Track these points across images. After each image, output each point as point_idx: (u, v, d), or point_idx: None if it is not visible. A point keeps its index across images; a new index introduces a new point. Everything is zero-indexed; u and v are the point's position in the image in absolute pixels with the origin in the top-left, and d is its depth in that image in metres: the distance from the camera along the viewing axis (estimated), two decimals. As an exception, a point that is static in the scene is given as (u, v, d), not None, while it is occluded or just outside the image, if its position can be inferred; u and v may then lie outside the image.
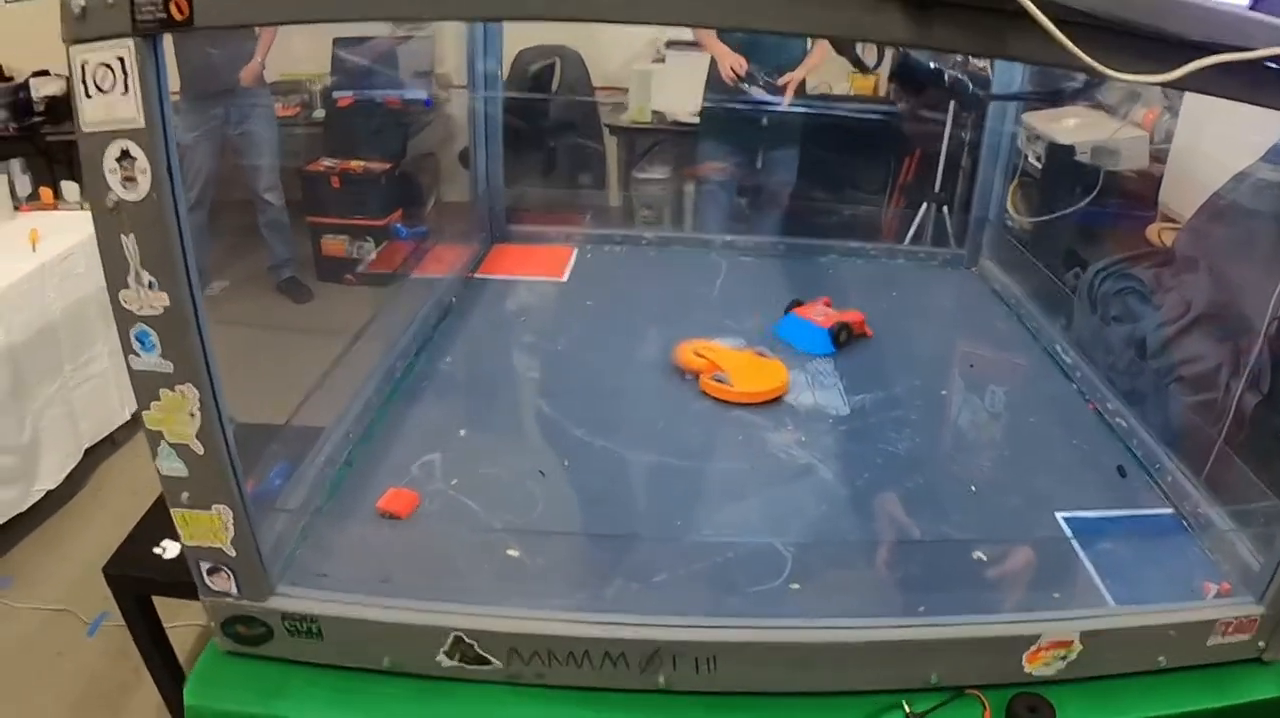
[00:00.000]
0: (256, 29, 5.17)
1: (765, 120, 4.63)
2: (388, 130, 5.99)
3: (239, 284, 5.84)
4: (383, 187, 5.86)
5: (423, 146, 6.19)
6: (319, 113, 6.23)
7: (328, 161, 5.89)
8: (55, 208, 4.46)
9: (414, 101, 6.05)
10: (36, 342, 3.75)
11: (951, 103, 4.85)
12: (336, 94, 6.02)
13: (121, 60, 1.26)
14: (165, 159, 1.31)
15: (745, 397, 2.48)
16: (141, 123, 1.28)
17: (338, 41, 6.00)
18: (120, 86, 1.27)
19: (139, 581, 2.54)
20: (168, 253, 1.36)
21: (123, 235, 1.35)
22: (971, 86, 1.58)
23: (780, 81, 4.52)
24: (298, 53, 6.14)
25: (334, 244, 5.91)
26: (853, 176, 5.75)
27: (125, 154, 1.30)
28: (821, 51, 4.64)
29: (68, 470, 3.96)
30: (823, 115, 5.73)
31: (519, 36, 6.11)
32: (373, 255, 5.80)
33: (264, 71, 5.36)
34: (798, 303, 2.91)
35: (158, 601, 2.61)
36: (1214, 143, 3.39)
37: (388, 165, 5.89)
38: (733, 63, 4.46)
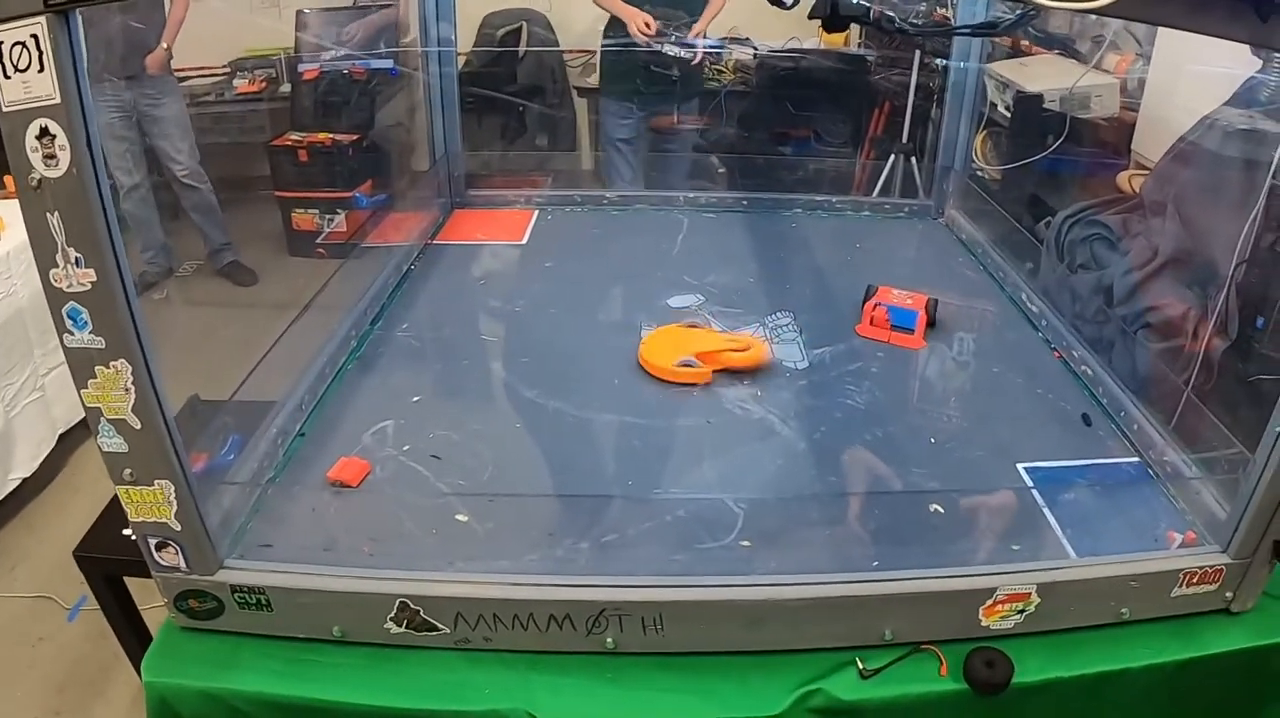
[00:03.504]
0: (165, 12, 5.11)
1: (675, 72, 4.54)
2: (354, 101, 5.93)
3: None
4: (351, 158, 5.80)
5: (390, 116, 6.12)
6: (285, 87, 6.16)
7: (295, 135, 5.82)
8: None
9: (379, 71, 5.98)
10: (5, 330, 3.72)
11: (917, 52, 4.83)
12: (301, 67, 5.95)
13: (35, 38, 1.24)
14: (85, 135, 1.30)
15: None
16: (59, 99, 1.27)
17: (300, 14, 5.94)
18: (36, 64, 1.26)
19: (109, 562, 2.53)
20: (93, 228, 1.35)
21: (48, 213, 1.34)
22: (897, 21, 1.55)
23: (693, 33, 4.43)
24: (263, 28, 6.08)
25: (304, 218, 5.86)
26: (820, 129, 5.71)
27: (45, 131, 1.29)
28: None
29: (42, 457, 3.93)
30: (789, 68, 5.73)
31: (485, 1, 6.07)
32: (334, 227, 5.76)
33: (170, 59, 5.23)
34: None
35: (135, 582, 2.61)
36: (1186, 88, 3.37)
37: (355, 136, 5.84)
38: (642, 20, 4.36)
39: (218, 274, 5.70)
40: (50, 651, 3.24)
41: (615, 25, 4.50)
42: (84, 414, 3.88)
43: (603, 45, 4.74)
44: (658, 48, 4.36)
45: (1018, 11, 1.64)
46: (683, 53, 4.39)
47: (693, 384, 2.38)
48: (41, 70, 1.26)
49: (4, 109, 1.29)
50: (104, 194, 1.35)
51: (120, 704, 3.04)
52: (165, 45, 5.10)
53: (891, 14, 1.57)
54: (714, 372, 2.39)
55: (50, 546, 3.67)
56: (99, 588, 2.59)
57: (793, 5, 1.47)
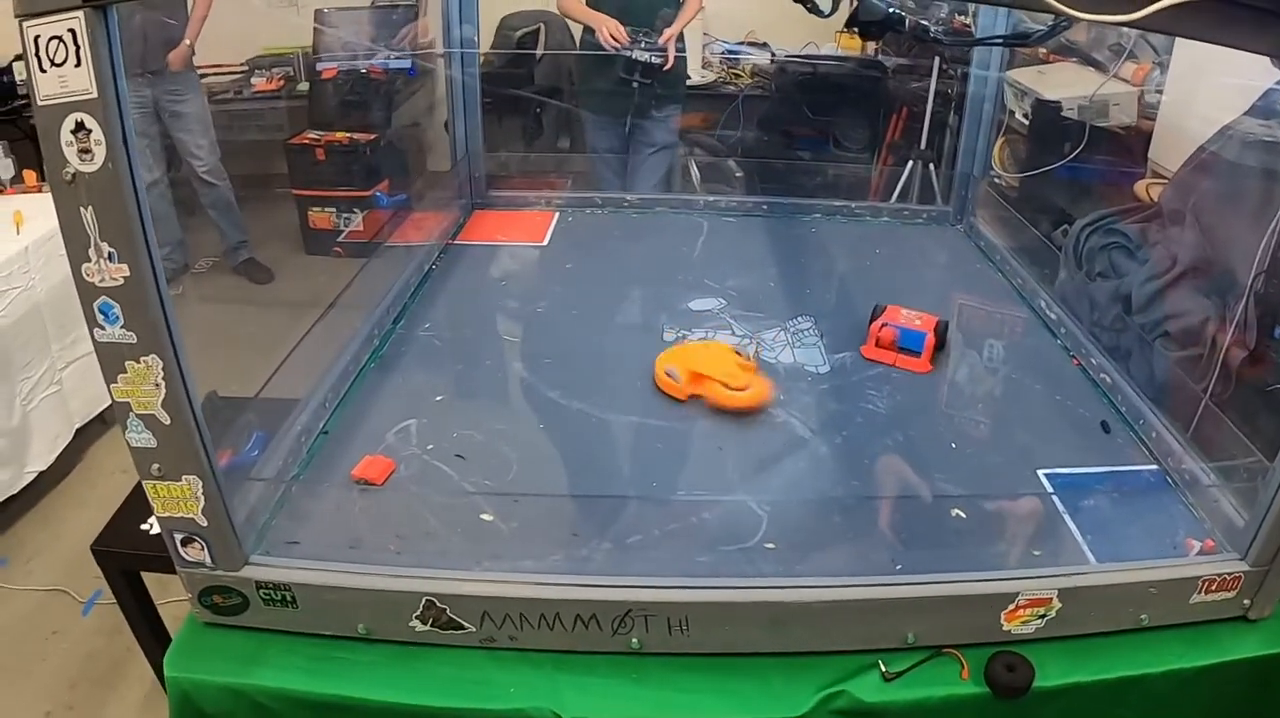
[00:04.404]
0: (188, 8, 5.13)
1: (650, 81, 4.43)
2: (372, 101, 5.96)
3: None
4: (368, 157, 5.82)
5: (408, 116, 6.16)
6: (303, 85, 6.20)
7: (313, 134, 5.85)
8: (39, 190, 4.41)
9: (398, 71, 6.01)
10: (23, 324, 3.74)
11: (936, 58, 4.83)
12: (320, 66, 5.98)
13: (73, 32, 1.25)
14: (120, 130, 1.31)
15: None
16: (95, 94, 1.28)
17: (319, 13, 5.95)
18: (73, 59, 1.26)
19: (127, 557, 2.54)
20: (126, 223, 1.35)
21: (81, 208, 1.35)
22: (932, 30, 1.56)
23: (663, 39, 4.35)
24: (281, 26, 6.10)
25: (321, 216, 5.88)
26: (838, 134, 5.71)
27: (80, 126, 1.30)
28: (696, 2, 4.52)
29: (59, 451, 3.95)
30: (807, 73, 5.73)
31: (503, 2, 6.09)
32: (353, 226, 5.77)
33: (193, 55, 5.23)
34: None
35: (151, 578, 2.62)
36: (1204, 97, 3.36)
37: (373, 136, 5.86)
38: (610, 28, 4.31)
39: (233, 271, 5.71)
40: (64, 644, 3.26)
41: (590, 33, 4.46)
42: (101, 408, 3.93)
43: (581, 53, 4.73)
44: (627, 53, 4.32)
45: (1050, 22, 1.65)
46: (653, 58, 4.34)
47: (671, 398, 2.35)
48: (78, 65, 1.26)
49: (40, 103, 1.29)
50: (138, 189, 1.35)
51: (133, 699, 3.05)
52: (188, 41, 5.11)
53: (925, 23, 1.58)
54: (691, 395, 2.33)
55: (66, 539, 3.69)
56: (116, 583, 2.60)
57: (830, 13, 1.48)
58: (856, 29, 1.55)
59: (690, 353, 2.48)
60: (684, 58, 4.54)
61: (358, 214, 5.78)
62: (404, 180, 5.95)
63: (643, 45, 4.29)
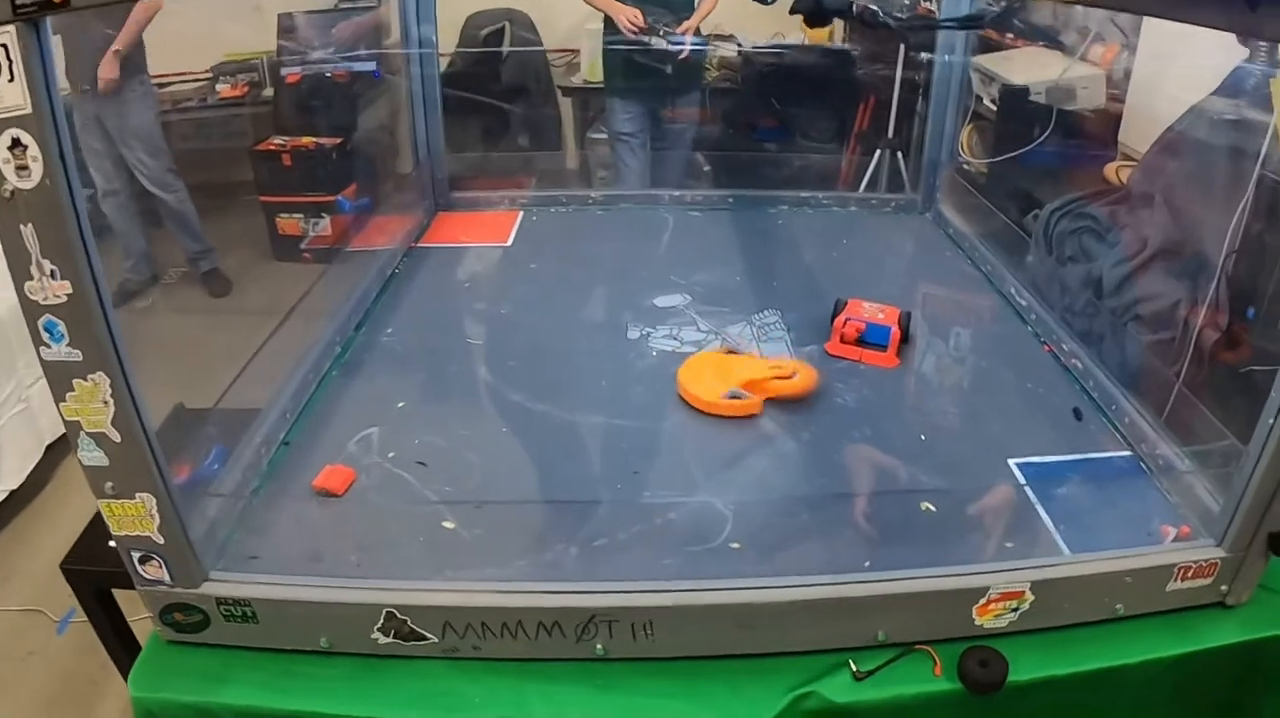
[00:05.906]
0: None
1: (669, 69, 4.58)
2: (337, 104, 5.91)
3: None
4: (334, 162, 5.78)
5: (374, 119, 6.11)
6: (268, 91, 6.14)
7: (278, 139, 5.80)
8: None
9: (362, 74, 5.97)
10: (-12, 341, 3.71)
11: (901, 46, 4.82)
12: (284, 71, 5.93)
13: (5, 47, 1.22)
14: (57, 145, 1.28)
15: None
16: (29, 109, 1.25)
17: (282, 17, 5.91)
18: (6, 74, 1.24)
19: (97, 574, 2.51)
20: (66, 240, 1.33)
21: (21, 225, 1.32)
22: (881, 15, 1.54)
23: (680, 29, 4.47)
24: (246, 31, 6.05)
25: (289, 223, 5.82)
26: (806, 125, 5.72)
27: (16, 142, 1.27)
28: None
29: (29, 469, 3.91)
30: (774, 63, 5.74)
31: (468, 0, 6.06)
32: (319, 231, 5.74)
33: (139, 65, 5.08)
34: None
35: (124, 594, 2.59)
36: (1172, 78, 3.36)
37: (339, 140, 5.82)
38: (629, 15, 4.41)
39: (199, 281, 5.66)
40: (40, 664, 3.22)
41: (612, 22, 4.54)
42: (68, 426, 3.86)
43: (604, 42, 4.78)
44: (646, 42, 4.37)
45: (1003, 4, 1.63)
46: (670, 45, 4.41)
47: (744, 417, 2.27)
48: (11, 80, 1.23)
49: (-27, 119, 1.27)
50: (78, 206, 1.33)
51: (111, 717, 3.01)
52: (117, 48, 4.90)
53: (875, 8, 1.56)
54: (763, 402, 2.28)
55: (39, 558, 3.65)
56: (88, 601, 2.56)
57: (773, 0, 1.46)
58: (803, 16, 1.53)
59: (723, 367, 2.40)
60: (703, 50, 4.74)
61: (325, 219, 5.75)
62: (371, 184, 5.91)
63: (661, 33, 4.38)
